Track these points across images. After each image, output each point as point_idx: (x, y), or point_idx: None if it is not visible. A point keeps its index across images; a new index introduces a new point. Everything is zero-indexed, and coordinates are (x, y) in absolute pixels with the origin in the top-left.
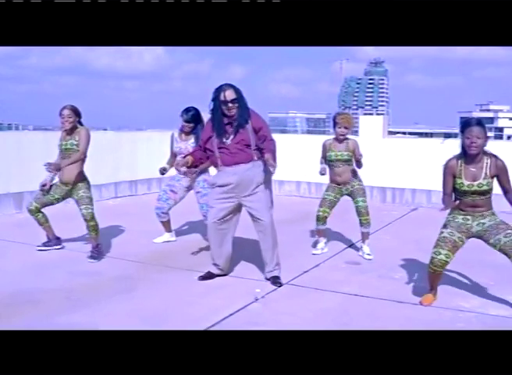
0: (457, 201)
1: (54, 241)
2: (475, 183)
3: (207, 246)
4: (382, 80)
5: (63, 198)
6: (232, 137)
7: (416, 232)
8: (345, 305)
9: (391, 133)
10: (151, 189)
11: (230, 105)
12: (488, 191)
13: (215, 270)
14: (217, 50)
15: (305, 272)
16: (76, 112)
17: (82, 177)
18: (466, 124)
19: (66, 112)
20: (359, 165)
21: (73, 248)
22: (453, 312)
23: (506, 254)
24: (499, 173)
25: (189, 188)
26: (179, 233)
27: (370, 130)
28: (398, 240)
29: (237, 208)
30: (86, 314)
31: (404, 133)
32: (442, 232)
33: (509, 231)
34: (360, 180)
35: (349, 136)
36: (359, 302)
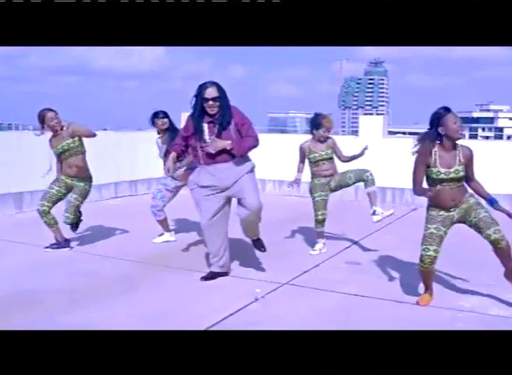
0: (438, 187)
1: (63, 243)
2: (451, 169)
3: None
4: (382, 80)
5: (68, 192)
6: (213, 136)
7: (416, 232)
8: (344, 305)
9: (391, 133)
10: (150, 189)
11: (211, 102)
12: (464, 178)
13: (216, 269)
14: (217, 50)
15: (305, 272)
16: (56, 113)
17: (85, 173)
18: (442, 113)
19: (51, 114)
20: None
21: (73, 248)
22: (453, 312)
23: (479, 230)
24: (468, 161)
25: (182, 185)
26: (178, 233)
27: (370, 130)
28: (398, 240)
29: (226, 202)
30: (86, 314)
31: (404, 133)
32: (428, 228)
33: (480, 210)
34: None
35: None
36: (359, 302)
